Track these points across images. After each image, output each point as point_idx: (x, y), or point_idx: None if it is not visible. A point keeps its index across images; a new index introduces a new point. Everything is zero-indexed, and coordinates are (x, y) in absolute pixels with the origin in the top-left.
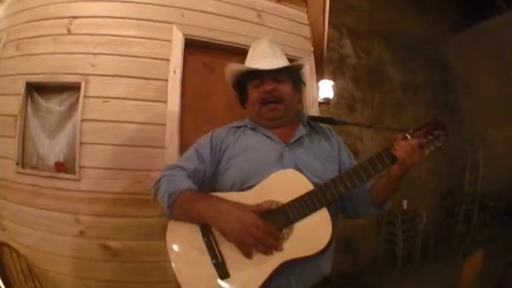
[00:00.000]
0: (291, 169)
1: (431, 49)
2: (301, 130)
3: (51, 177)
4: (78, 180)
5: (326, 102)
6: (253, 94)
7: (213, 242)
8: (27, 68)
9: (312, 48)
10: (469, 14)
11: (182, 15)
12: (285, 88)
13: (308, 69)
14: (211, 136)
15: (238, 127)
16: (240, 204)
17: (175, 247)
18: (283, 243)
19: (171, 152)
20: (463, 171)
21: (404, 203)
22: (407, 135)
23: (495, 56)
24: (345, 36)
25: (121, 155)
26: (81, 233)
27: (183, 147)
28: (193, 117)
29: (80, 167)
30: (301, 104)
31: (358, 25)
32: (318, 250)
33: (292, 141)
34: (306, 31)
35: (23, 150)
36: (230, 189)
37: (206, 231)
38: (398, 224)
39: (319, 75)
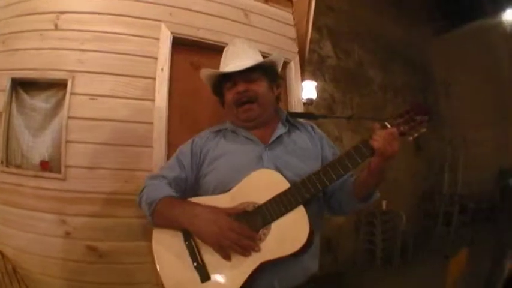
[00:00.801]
0: (267, 169)
1: (411, 51)
2: (281, 129)
3: (35, 176)
4: (64, 179)
5: (309, 102)
6: (228, 96)
7: (194, 246)
8: (13, 63)
9: (297, 49)
10: (451, 17)
11: (170, 14)
12: (258, 87)
13: (293, 70)
14: (192, 143)
15: (219, 131)
16: (213, 207)
17: (160, 253)
18: (261, 244)
19: (158, 151)
20: (442, 172)
21: (384, 204)
22: (387, 123)
23: (476, 58)
24: (325, 37)
25: (108, 154)
26: (67, 233)
27: (170, 146)
28: (181, 117)
29: (66, 166)
30: (283, 101)
31: (338, 26)
32: (295, 249)
33: (271, 141)
34: (292, 32)
35: (7, 148)
36: (212, 194)
37: (187, 236)
38: (378, 224)
39: (301, 75)
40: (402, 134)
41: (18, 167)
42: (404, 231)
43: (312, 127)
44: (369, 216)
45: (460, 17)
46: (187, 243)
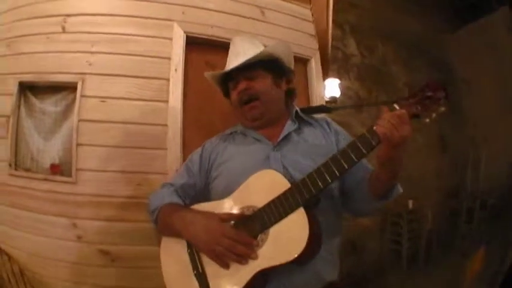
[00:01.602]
0: (268, 169)
1: (432, 48)
2: (289, 126)
3: (46, 179)
4: (75, 183)
5: (333, 101)
6: (232, 96)
7: (195, 254)
8: (19, 67)
9: (317, 46)
10: (464, 12)
11: (183, 13)
12: (260, 83)
13: (314, 67)
14: (202, 149)
15: (230, 134)
16: (207, 213)
17: (165, 261)
18: (259, 250)
19: (172, 153)
20: (465, 169)
21: (410, 203)
22: (395, 105)
23: (491, 54)
24: (349, 34)
25: (120, 157)
26: (79, 237)
27: (185, 147)
28: (196, 117)
29: (77, 170)
30: (305, 99)
31: (361, 23)
32: (292, 257)
33: (279, 139)
34: (311, 28)
35: (16, 152)
36: (220, 199)
37: (190, 243)
38: (404, 224)
39: (325, 73)
40: (416, 116)
41: (27, 170)
42: (430, 230)
43: (327, 123)
44: (395, 217)
45: (471, 12)
46: (189, 251)
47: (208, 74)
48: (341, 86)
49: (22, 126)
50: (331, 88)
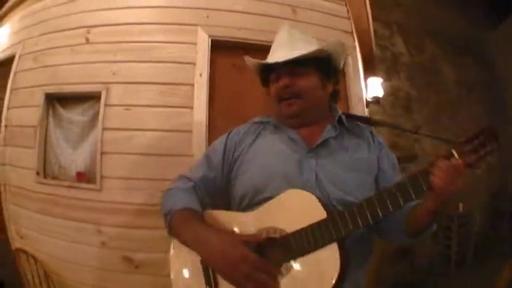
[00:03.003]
0: (303, 191)
1: (476, 44)
2: (329, 131)
3: (71, 187)
4: (99, 190)
5: (375, 101)
6: (272, 90)
7: (210, 267)
8: (45, 79)
9: (356, 43)
10: (502, 6)
11: (207, 16)
12: (305, 82)
13: (351, 65)
14: (227, 138)
15: (261, 123)
16: (228, 233)
17: (176, 268)
18: (282, 280)
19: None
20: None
21: (461, 206)
22: (454, 151)
23: None
24: (396, 33)
25: (144, 165)
26: (103, 244)
27: None
28: (224, 123)
29: (102, 177)
30: (342, 100)
31: (408, 22)
32: None
33: (316, 145)
34: (347, 25)
35: (44, 160)
36: (241, 201)
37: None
38: (455, 228)
39: (369, 72)
40: (468, 166)
41: (55, 178)
42: (478, 232)
43: (371, 133)
44: (447, 221)
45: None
46: (203, 264)
47: (249, 60)
48: (389, 86)
49: (50, 136)
50: (374, 87)
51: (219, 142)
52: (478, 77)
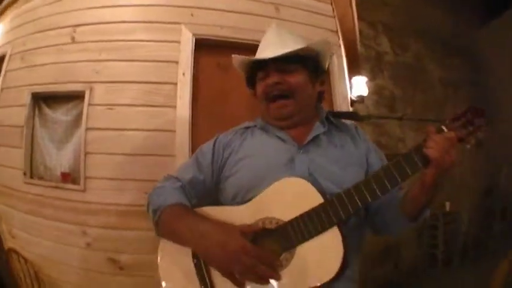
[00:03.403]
0: (296, 177)
1: (464, 43)
2: (318, 128)
3: (56, 187)
4: (83, 191)
5: (360, 100)
6: (259, 89)
7: (203, 265)
8: (32, 78)
9: (341, 42)
10: (492, 5)
11: (191, 15)
12: (295, 79)
13: (336, 63)
14: (215, 141)
15: (247, 128)
16: (225, 224)
17: (165, 270)
18: (282, 272)
19: (181, 161)
20: (500, 167)
21: (447, 205)
22: (443, 127)
23: None
24: (381, 33)
25: (128, 165)
26: (88, 245)
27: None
28: (208, 122)
29: (85, 178)
30: (327, 99)
31: (393, 21)
32: (325, 281)
33: (306, 141)
34: (331, 23)
35: (31, 160)
36: (232, 201)
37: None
38: (441, 227)
39: (353, 71)
40: (460, 140)
41: (40, 178)
42: (468, 232)
43: (356, 129)
44: (432, 219)
45: (501, 3)
46: (195, 261)
47: (237, 58)
48: (374, 85)
49: (36, 136)
50: (359, 86)
51: (207, 145)
52: (465, 75)
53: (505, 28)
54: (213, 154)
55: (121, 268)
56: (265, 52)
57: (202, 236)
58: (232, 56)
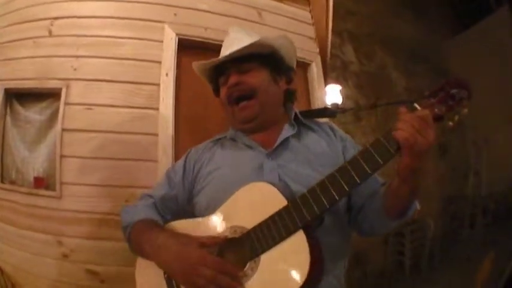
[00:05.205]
0: (259, 182)
1: (431, 53)
2: (287, 130)
3: (30, 193)
4: (59, 198)
5: (335, 108)
6: (222, 94)
7: (173, 281)
8: (6, 73)
9: (318, 49)
10: (464, 16)
11: (175, 14)
12: (254, 78)
13: (315, 70)
14: (186, 157)
15: (218, 140)
16: (183, 236)
17: (141, 283)
18: (248, 282)
19: (163, 166)
20: (466, 174)
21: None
22: (416, 104)
23: (492, 56)
24: (347, 42)
25: (107, 170)
26: (65, 256)
27: (177, 159)
28: (190, 125)
29: (61, 183)
30: (304, 105)
31: (359, 30)
32: None
33: (275, 146)
34: (311, 31)
35: (1, 163)
36: (204, 214)
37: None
38: (407, 234)
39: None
40: (439, 118)
41: (12, 182)
42: (432, 238)
43: (331, 128)
44: (398, 227)
45: (472, 16)
46: (166, 276)
47: (196, 66)
48: (342, 94)
49: (7, 135)
50: (333, 94)
51: (179, 162)
52: (430, 85)
53: (472, 41)
54: (184, 170)
55: (102, 281)
56: (223, 54)
57: (160, 249)
58: (193, 63)
